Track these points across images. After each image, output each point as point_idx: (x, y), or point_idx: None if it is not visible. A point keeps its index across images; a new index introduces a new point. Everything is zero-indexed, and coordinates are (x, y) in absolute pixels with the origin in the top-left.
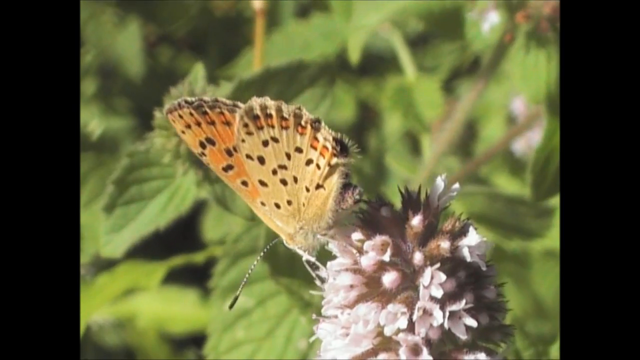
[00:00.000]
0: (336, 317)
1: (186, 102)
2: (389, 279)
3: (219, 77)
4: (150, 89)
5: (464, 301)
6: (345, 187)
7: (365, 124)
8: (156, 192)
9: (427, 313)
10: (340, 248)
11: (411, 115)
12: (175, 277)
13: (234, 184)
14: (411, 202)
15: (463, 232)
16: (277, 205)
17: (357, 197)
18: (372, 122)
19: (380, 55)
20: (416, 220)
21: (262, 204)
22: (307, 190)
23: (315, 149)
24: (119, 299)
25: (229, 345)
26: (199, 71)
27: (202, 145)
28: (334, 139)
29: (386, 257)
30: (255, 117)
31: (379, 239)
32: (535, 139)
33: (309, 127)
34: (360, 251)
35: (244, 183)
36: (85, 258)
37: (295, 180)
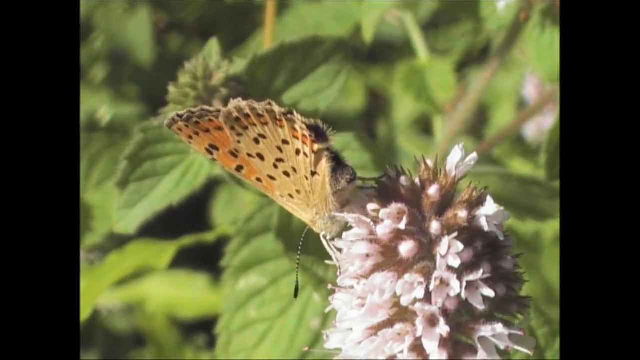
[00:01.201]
0: (352, 287)
1: (178, 116)
2: (406, 248)
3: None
4: (160, 75)
5: (481, 271)
6: (336, 169)
7: (374, 112)
8: (170, 168)
9: (444, 283)
10: (356, 219)
11: (424, 97)
12: (184, 262)
13: (250, 181)
14: (428, 171)
15: (480, 201)
16: (291, 196)
17: (348, 176)
18: (381, 110)
19: (389, 42)
20: (433, 189)
21: (281, 196)
22: (307, 178)
23: (297, 138)
24: (129, 283)
25: (241, 324)
26: (213, 46)
27: (209, 152)
28: (308, 127)
29: (402, 225)
30: (237, 119)
31: (394, 206)
32: (546, 123)
33: (283, 119)
34: (377, 221)
35: (259, 180)
36: (96, 238)
37: (295, 170)
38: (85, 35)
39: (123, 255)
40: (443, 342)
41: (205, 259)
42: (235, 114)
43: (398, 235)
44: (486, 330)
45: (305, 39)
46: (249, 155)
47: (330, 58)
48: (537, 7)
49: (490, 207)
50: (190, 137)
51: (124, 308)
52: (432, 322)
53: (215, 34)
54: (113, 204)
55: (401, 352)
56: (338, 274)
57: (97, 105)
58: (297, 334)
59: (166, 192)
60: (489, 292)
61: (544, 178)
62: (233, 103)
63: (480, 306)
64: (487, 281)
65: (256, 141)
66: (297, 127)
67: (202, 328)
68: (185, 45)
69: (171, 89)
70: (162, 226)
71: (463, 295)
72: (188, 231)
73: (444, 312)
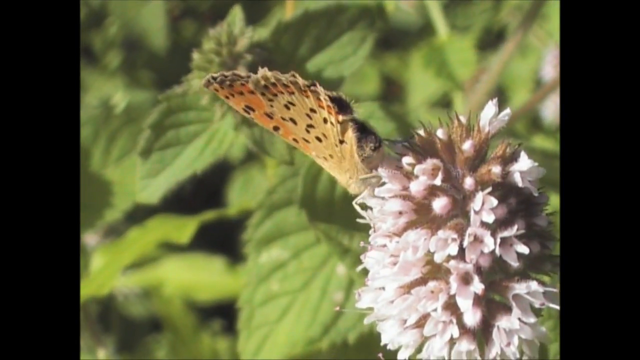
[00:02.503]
0: (384, 246)
1: (213, 78)
2: (440, 204)
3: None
4: (174, 62)
5: (515, 227)
6: (361, 138)
7: (389, 98)
8: (193, 137)
9: (477, 240)
10: (389, 174)
11: (444, 73)
12: (201, 245)
13: (289, 141)
14: (461, 127)
15: (514, 157)
16: (326, 159)
17: (372, 144)
18: (396, 96)
19: (404, 29)
20: (467, 145)
21: (317, 156)
22: (336, 145)
23: (323, 108)
24: (145, 266)
25: (263, 298)
26: (237, 14)
27: (247, 112)
28: (331, 99)
29: (437, 181)
30: (265, 87)
31: (430, 162)
32: None
33: (308, 90)
34: (410, 177)
35: (295, 140)
36: (116, 214)
37: (325, 136)
38: (100, 22)
39: (144, 230)
40: (477, 301)
41: (223, 243)
42: (263, 83)
43: (431, 192)
44: (520, 288)
45: (329, 6)
46: (283, 118)
47: (355, 25)
48: None
49: (524, 163)
50: (227, 97)
51: (140, 293)
52: (466, 280)
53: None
54: (136, 173)
55: (435, 310)
56: (371, 232)
57: (111, 91)
58: (320, 308)
59: (190, 160)
60: (524, 249)
61: None
62: (260, 72)
63: (514, 263)
64: (521, 238)
65: (287, 107)
66: (321, 97)
67: (219, 312)
68: (199, 32)
69: (195, 55)
70: (178, 211)
71: (497, 251)
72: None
73: (478, 269)
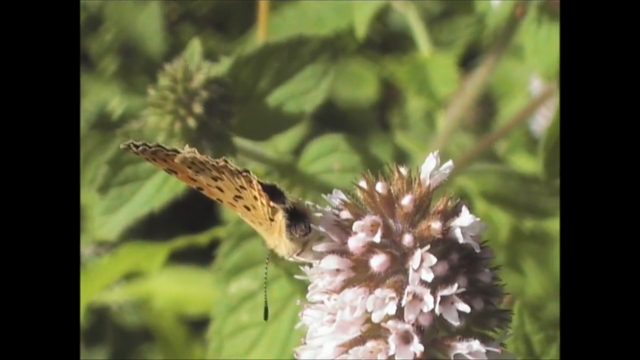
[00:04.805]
0: (322, 302)
1: (134, 145)
2: (377, 262)
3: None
4: (156, 84)
5: (456, 285)
6: (291, 225)
7: (387, 102)
8: (152, 173)
9: (417, 298)
10: (328, 227)
11: (425, 91)
12: (191, 258)
13: (213, 199)
14: (402, 180)
15: (456, 212)
16: (253, 222)
17: (302, 232)
18: (394, 100)
19: (402, 32)
20: (406, 200)
21: (244, 217)
22: (266, 219)
23: (254, 189)
24: (136, 279)
25: (233, 329)
26: (195, 47)
27: (169, 172)
28: (264, 187)
29: (377, 239)
30: (193, 163)
31: (368, 218)
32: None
33: (240, 176)
34: (348, 232)
35: (220, 200)
36: (90, 238)
37: (255, 208)
38: (96, 27)
39: (115, 259)
40: None
41: (212, 256)
42: (190, 158)
43: (370, 249)
44: (462, 347)
45: (290, 39)
46: (209, 185)
47: (317, 58)
48: (533, 2)
49: (465, 218)
50: (148, 159)
51: (134, 303)
52: (405, 339)
53: (228, 24)
54: (95, 210)
55: None
56: (309, 288)
57: (108, 97)
58: (290, 339)
59: (148, 197)
60: (465, 307)
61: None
62: (188, 151)
63: (455, 322)
64: (463, 295)
65: (214, 179)
66: (253, 184)
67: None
68: (197, 37)
69: (150, 91)
70: (174, 221)
71: (437, 310)
72: (200, 225)
73: (418, 328)
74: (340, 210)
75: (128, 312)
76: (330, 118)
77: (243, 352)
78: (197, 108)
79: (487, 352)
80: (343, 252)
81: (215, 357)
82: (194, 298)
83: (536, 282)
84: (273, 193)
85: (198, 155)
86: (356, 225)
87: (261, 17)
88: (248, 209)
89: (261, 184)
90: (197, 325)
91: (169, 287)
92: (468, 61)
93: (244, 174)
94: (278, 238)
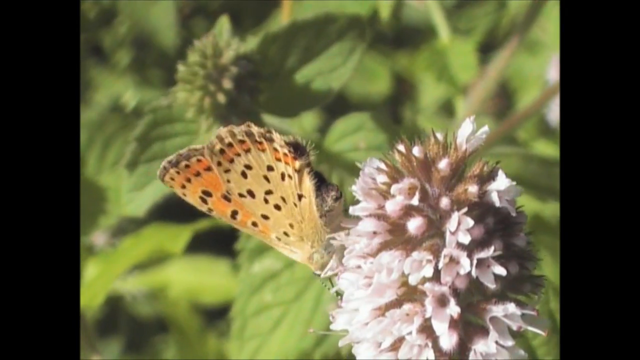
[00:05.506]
0: (359, 267)
1: (168, 162)
2: (414, 225)
3: (243, 38)
4: (185, 60)
5: (492, 248)
6: (321, 188)
7: (400, 97)
8: (179, 149)
9: (453, 261)
10: (364, 191)
11: (445, 77)
12: (206, 247)
13: (247, 228)
14: (438, 145)
15: (492, 176)
16: (286, 234)
17: (334, 193)
18: (407, 95)
19: (415, 27)
20: (443, 163)
21: (278, 238)
22: (295, 205)
23: (280, 160)
24: (150, 268)
25: (256, 309)
26: (223, 24)
27: (204, 200)
28: (287, 144)
29: (414, 201)
30: (221, 152)
31: (407, 181)
32: None
33: (263, 140)
34: (385, 195)
35: (254, 224)
36: (111, 220)
37: (284, 200)
38: (110, 20)
39: (138, 240)
40: (453, 323)
41: (227, 245)
42: (218, 146)
43: (407, 212)
44: (498, 310)
45: (318, 17)
46: (241, 195)
47: (344, 36)
48: None
49: (501, 182)
50: (184, 187)
51: (148, 293)
52: (442, 302)
53: (241, 18)
54: (122, 186)
55: (409, 333)
56: (345, 253)
57: (121, 90)
58: (313, 319)
59: None
60: (501, 270)
61: None
62: (215, 134)
63: (491, 285)
64: (498, 259)
65: (244, 175)
66: (277, 146)
67: (225, 314)
68: (210, 30)
69: (180, 67)
70: (183, 211)
71: (474, 273)
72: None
73: (454, 291)
74: (377, 174)
75: (141, 303)
76: (342, 112)
77: (266, 331)
78: (227, 84)
79: (523, 315)
80: (380, 215)
81: (238, 336)
82: (209, 287)
83: (551, 274)
84: (297, 150)
85: (222, 131)
86: (394, 188)
87: (285, 3)
88: (279, 207)
89: (285, 141)
90: (212, 315)
91: (184, 276)
92: (486, 52)
93: (267, 135)
94: (309, 224)
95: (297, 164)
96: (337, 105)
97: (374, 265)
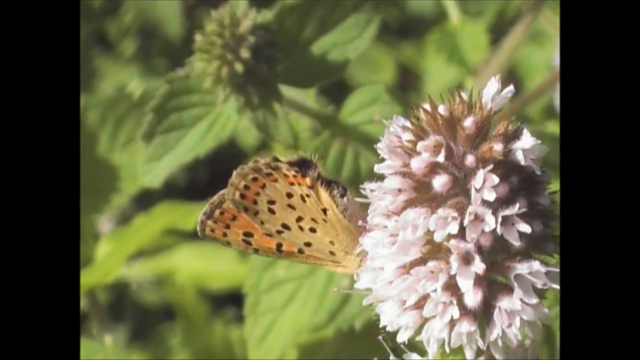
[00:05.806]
0: (384, 227)
1: (204, 214)
2: (440, 182)
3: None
4: (189, 50)
5: (517, 206)
6: (332, 191)
7: (405, 87)
8: (196, 120)
9: (478, 218)
10: (390, 149)
11: (456, 58)
12: None
13: (296, 258)
14: (463, 104)
15: (516, 135)
16: (332, 252)
17: (337, 192)
18: (412, 85)
19: (420, 17)
20: (469, 122)
21: (332, 262)
22: (325, 221)
23: (293, 184)
24: (157, 254)
25: (269, 284)
26: None
27: (247, 242)
28: (293, 164)
29: (440, 158)
30: (242, 197)
31: (432, 138)
32: None
33: (272, 171)
34: (410, 153)
35: (300, 251)
36: (123, 199)
37: (315, 221)
38: (115, 10)
39: (150, 217)
40: (478, 281)
41: None
42: (237, 194)
43: (432, 169)
44: (522, 268)
45: None
46: (278, 232)
47: (360, 8)
48: None
49: (527, 141)
50: (225, 235)
51: (154, 281)
52: (466, 259)
53: None
54: (139, 157)
55: (434, 290)
56: (370, 211)
57: (127, 79)
58: (326, 294)
59: (193, 144)
60: (526, 228)
61: None
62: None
63: (516, 242)
64: (523, 217)
65: (271, 211)
66: (285, 171)
67: (231, 301)
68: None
69: (198, 37)
70: (191, 199)
71: (498, 230)
72: None
73: (479, 249)
74: (402, 132)
75: (148, 289)
76: None
77: (280, 306)
78: (245, 53)
79: (547, 272)
80: (405, 173)
81: (251, 311)
82: (216, 274)
83: None
84: (303, 166)
85: (233, 176)
86: (420, 146)
87: None
88: (314, 230)
89: (289, 162)
90: (219, 302)
91: (191, 263)
92: (496, 34)
93: (273, 163)
94: (341, 229)
95: (308, 180)
96: (342, 96)
97: (399, 222)
